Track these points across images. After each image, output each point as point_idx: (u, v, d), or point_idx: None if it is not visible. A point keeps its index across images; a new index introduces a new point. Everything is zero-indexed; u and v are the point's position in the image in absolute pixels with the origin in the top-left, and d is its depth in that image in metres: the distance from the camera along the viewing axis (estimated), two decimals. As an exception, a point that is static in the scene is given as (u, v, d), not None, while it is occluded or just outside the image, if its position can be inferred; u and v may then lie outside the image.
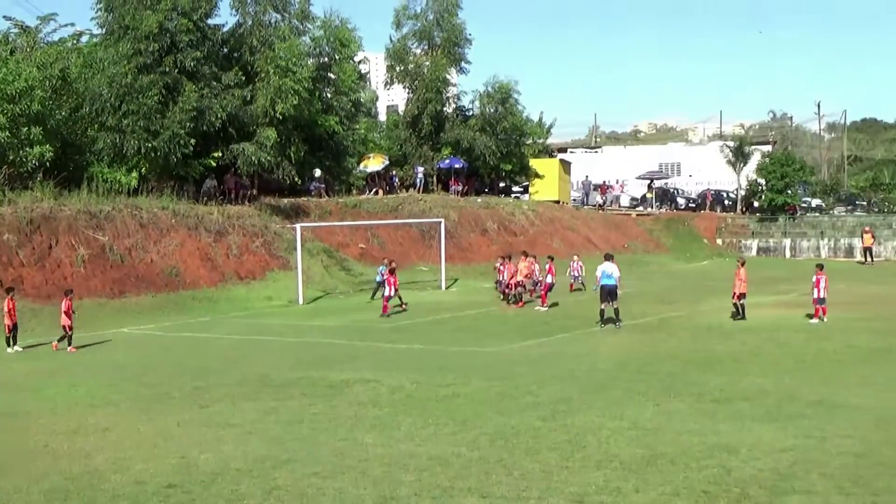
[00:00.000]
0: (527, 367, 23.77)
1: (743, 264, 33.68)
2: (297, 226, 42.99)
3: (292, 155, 50.79)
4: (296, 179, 53.16)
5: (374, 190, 60.55)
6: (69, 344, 28.51)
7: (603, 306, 31.25)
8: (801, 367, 22.97)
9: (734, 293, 32.54)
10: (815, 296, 31.92)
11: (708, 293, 40.59)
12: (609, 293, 31.23)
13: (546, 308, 36.30)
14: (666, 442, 15.81)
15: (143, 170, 45.51)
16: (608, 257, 32.84)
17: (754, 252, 71.48)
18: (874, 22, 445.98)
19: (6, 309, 28.89)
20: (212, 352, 27.97)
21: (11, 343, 28.72)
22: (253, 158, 47.25)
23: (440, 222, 49.35)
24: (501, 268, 40.39)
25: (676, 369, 22.98)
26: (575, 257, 46.12)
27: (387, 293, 36.53)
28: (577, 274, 43.95)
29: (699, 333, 29.30)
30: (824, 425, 16.74)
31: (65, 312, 28.83)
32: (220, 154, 47.80)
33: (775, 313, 34.06)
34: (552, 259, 38.60)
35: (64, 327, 28.74)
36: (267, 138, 47.38)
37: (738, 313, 32.32)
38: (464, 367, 23.84)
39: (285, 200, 51.40)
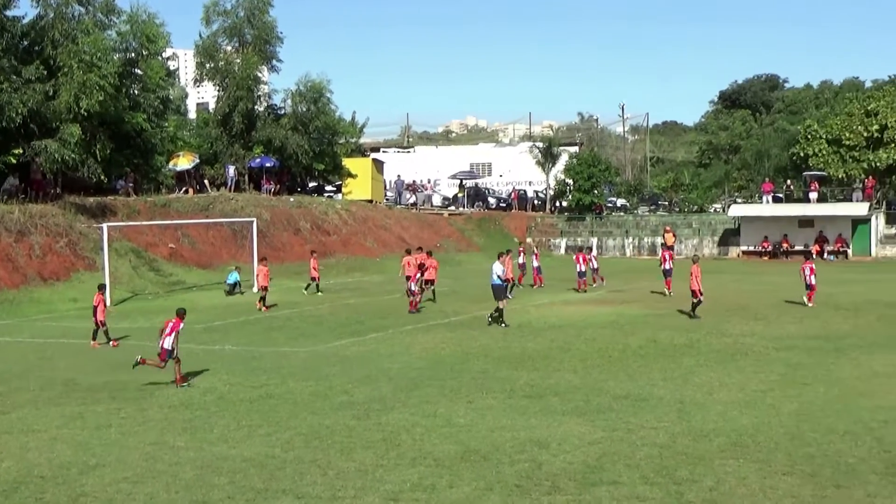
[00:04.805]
0: (340, 366, 23.76)
1: (696, 262, 34.31)
2: (104, 225, 41.76)
3: (98, 152, 49.29)
4: (102, 178, 51.66)
5: (184, 189, 59.43)
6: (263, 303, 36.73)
7: (499, 304, 31.53)
8: (607, 363, 23.65)
9: (693, 290, 32.71)
10: (805, 282, 35.47)
11: (518, 292, 41.37)
12: (493, 291, 31.54)
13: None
14: (479, 438, 16.05)
15: (-63, 166, 43.49)
16: (498, 256, 33.08)
17: (563, 251, 73.21)
18: (673, 28, 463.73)
19: None
20: (13, 356, 26.89)
21: None
22: (56, 156, 45.69)
23: (252, 222, 48.76)
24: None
25: (488, 366, 23.34)
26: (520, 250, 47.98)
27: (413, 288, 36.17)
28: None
29: (510, 331, 29.78)
30: (630, 418, 17.30)
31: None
32: (21, 151, 46.05)
33: (583, 310, 34.96)
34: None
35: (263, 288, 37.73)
36: (71, 135, 45.87)
37: (692, 310, 32.66)
38: (277, 368, 23.67)
39: (91, 199, 49.88)
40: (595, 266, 45.39)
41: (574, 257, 44.72)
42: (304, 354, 26.12)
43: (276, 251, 52.89)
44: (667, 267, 41.21)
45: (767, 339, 26.90)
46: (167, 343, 21.55)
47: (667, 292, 40.02)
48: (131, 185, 55.64)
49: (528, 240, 70.56)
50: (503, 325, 30.71)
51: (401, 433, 16.50)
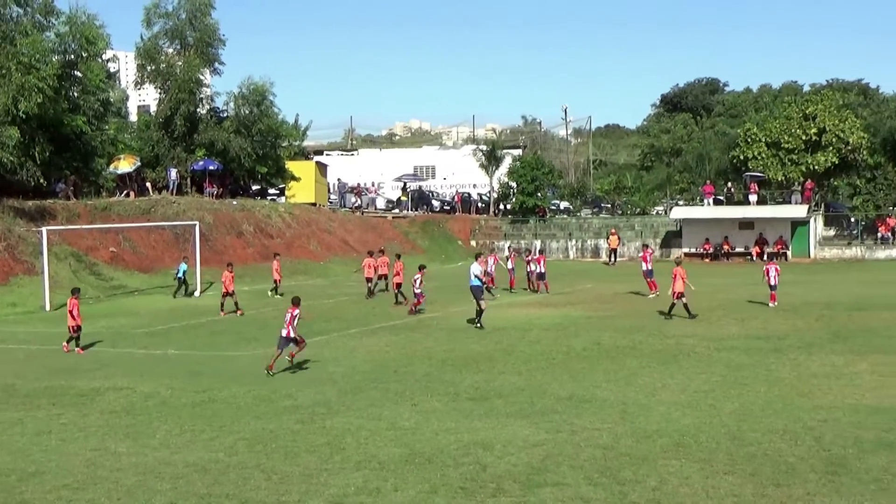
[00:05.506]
0: (284, 370, 23.64)
1: (679, 264, 34.43)
2: (43, 229, 41.21)
3: (37, 155, 48.69)
4: (41, 181, 50.99)
5: (126, 192, 58.79)
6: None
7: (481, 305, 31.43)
8: (551, 365, 23.76)
9: (673, 292, 32.82)
10: (768, 283, 35.90)
11: (462, 294, 41.35)
12: (472, 293, 31.50)
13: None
14: (423, 441, 16.06)
15: None
16: (476, 257, 33.20)
17: (507, 253, 73.19)
18: (615, 32, 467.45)
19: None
20: (-50, 362, 26.47)
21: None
22: (-7, 159, 45.11)
23: (195, 225, 48.39)
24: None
25: (433, 369, 23.37)
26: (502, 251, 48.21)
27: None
28: (510, 266, 46.51)
29: (455, 334, 29.85)
30: (574, 419, 17.39)
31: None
32: (-42, 154, 45.36)
33: (527, 312, 35.09)
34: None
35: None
36: (9, 137, 45.26)
37: (687, 311, 32.67)
38: (220, 372, 23.53)
39: (30, 203, 49.17)
40: (531, 269, 45.66)
41: (535, 259, 45.68)
42: (247, 359, 25.97)
43: (218, 254, 52.53)
44: (647, 268, 41.65)
45: (708, 340, 27.17)
46: (290, 332, 23.34)
47: (651, 293, 40.50)
48: (71, 188, 54.96)
49: (509, 244, 71.15)
50: (478, 325, 30.82)
51: (345, 437, 16.47)
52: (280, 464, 14.86)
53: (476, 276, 31.59)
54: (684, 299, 32.58)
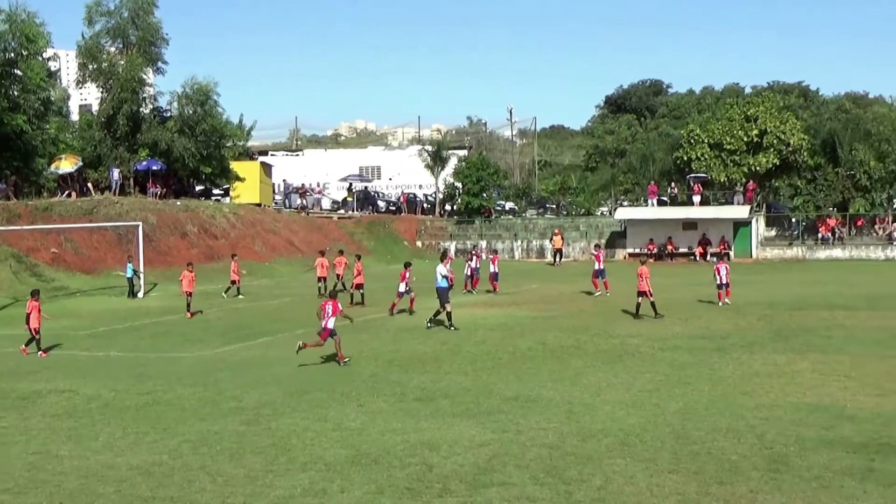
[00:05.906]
0: (229, 371, 23.52)
1: (644, 263, 34.64)
2: (-17, 230, 40.69)
3: (-25, 155, 48.01)
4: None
5: (67, 192, 58.10)
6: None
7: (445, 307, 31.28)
8: (497, 365, 23.82)
9: (644, 291, 32.97)
10: (717, 282, 36.85)
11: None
12: (438, 295, 31.31)
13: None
14: (370, 441, 16.04)
15: None
16: (441, 258, 33.21)
17: (453, 254, 73.45)
18: (560, 33, 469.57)
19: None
20: None
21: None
22: (-69, 158, 44.42)
23: (138, 226, 47.93)
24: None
25: (379, 370, 23.34)
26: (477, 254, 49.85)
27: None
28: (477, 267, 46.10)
29: (401, 334, 29.84)
30: (519, 419, 17.45)
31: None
32: None
33: (473, 312, 35.13)
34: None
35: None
36: (-53, 137, 44.62)
37: (636, 310, 33.05)
38: (165, 374, 23.32)
39: (-32, 203, 48.52)
40: (473, 267, 45.69)
41: (490, 258, 47.35)
42: (191, 360, 25.79)
43: (162, 255, 52.12)
44: (599, 268, 42.02)
45: (653, 340, 27.37)
46: (330, 323, 23.97)
47: (603, 292, 41.09)
48: (11, 188, 54.25)
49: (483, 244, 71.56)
50: (452, 327, 30.52)
51: (291, 438, 16.40)
52: (225, 466, 14.77)
53: (444, 277, 31.48)
54: (649, 298, 32.90)
